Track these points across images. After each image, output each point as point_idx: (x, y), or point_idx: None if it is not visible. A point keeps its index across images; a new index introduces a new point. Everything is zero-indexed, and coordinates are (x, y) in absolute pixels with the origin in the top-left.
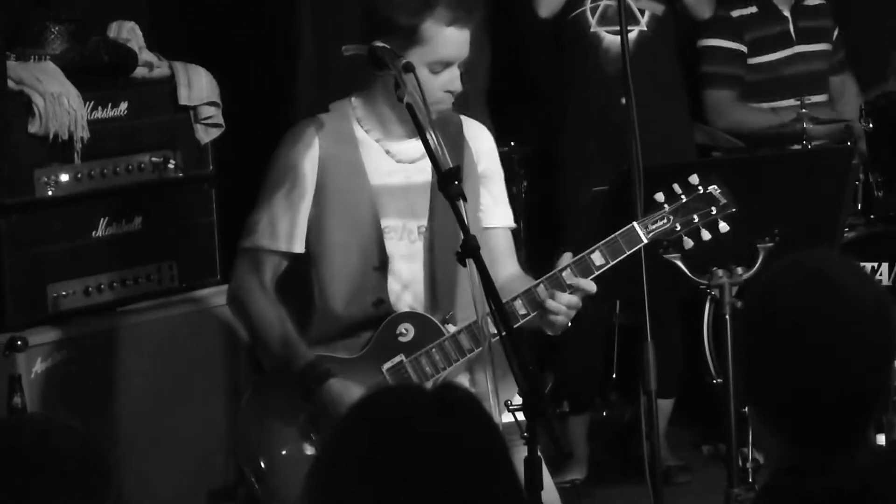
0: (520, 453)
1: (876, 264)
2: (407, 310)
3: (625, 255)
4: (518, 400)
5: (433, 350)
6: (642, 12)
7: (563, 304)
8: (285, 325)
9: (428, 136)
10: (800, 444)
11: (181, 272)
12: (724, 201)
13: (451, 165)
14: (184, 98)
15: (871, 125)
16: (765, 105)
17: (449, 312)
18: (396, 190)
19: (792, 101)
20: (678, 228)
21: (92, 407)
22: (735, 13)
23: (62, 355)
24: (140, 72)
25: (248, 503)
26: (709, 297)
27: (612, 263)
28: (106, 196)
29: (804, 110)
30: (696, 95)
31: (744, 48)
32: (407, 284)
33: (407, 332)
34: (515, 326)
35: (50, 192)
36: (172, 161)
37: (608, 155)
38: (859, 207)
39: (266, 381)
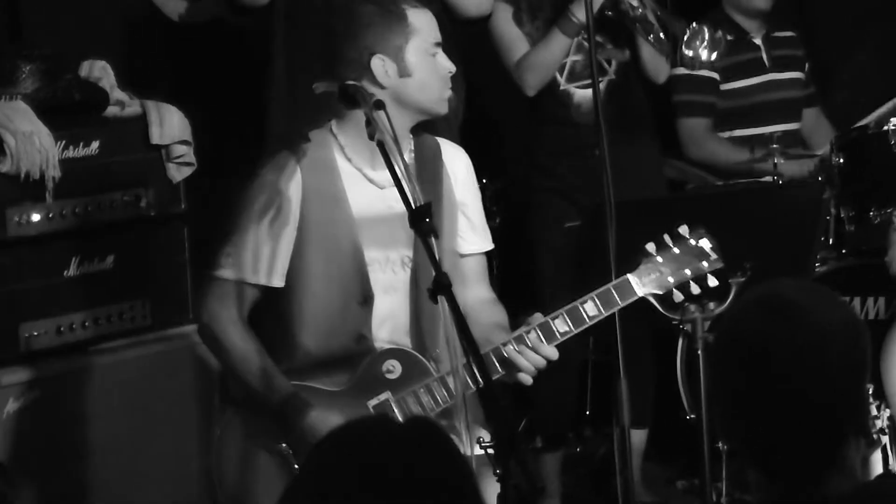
0: (493, 489)
1: (847, 298)
2: (393, 346)
3: (618, 306)
4: (489, 436)
5: (421, 390)
6: (609, 62)
7: (530, 363)
8: (262, 358)
9: (399, 173)
10: (773, 476)
11: (154, 311)
12: (714, 256)
13: (423, 201)
14: (155, 137)
15: (841, 160)
16: (738, 132)
17: (435, 349)
18: (378, 220)
19: (765, 129)
20: (671, 281)
21: (65, 447)
22: None
23: (34, 395)
24: (112, 111)
25: None
26: (681, 332)
27: (605, 315)
28: (78, 235)
29: (775, 146)
30: (667, 130)
31: (716, 75)
32: (385, 318)
33: (394, 368)
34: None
35: (21, 231)
36: (144, 200)
37: (581, 194)
38: (831, 242)
39: (241, 413)
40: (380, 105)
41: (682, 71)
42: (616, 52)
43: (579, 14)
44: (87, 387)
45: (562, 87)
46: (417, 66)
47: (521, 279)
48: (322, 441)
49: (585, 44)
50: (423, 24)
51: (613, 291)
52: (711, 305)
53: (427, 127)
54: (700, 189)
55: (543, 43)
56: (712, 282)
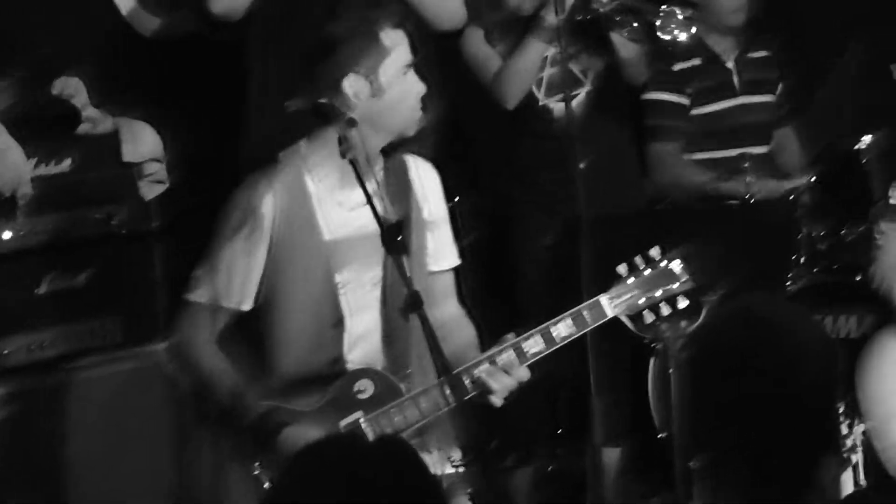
0: None
1: (820, 316)
2: (366, 367)
3: (590, 327)
4: (461, 455)
5: (392, 410)
6: (585, 73)
7: (502, 386)
8: (234, 377)
9: (370, 192)
10: (768, 480)
11: (125, 328)
12: (684, 278)
13: (395, 219)
14: (128, 154)
15: (813, 178)
16: (707, 155)
17: (407, 369)
18: (350, 241)
19: (734, 152)
20: (641, 303)
21: (37, 463)
22: (677, 66)
23: (7, 411)
24: (84, 128)
25: None
26: (653, 350)
27: (577, 335)
28: (49, 252)
29: (746, 165)
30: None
31: (686, 101)
32: (360, 337)
33: (366, 389)
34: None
35: None
36: (116, 217)
37: (562, 205)
38: (803, 260)
39: (213, 431)
40: (353, 123)
41: (652, 95)
42: (592, 61)
43: (550, 18)
44: (60, 404)
45: (541, 103)
46: (389, 87)
47: (503, 292)
48: (301, 453)
49: (559, 56)
50: (395, 44)
51: (585, 312)
52: (683, 324)
53: (401, 141)
54: (675, 204)
55: (518, 52)
56: (682, 303)
